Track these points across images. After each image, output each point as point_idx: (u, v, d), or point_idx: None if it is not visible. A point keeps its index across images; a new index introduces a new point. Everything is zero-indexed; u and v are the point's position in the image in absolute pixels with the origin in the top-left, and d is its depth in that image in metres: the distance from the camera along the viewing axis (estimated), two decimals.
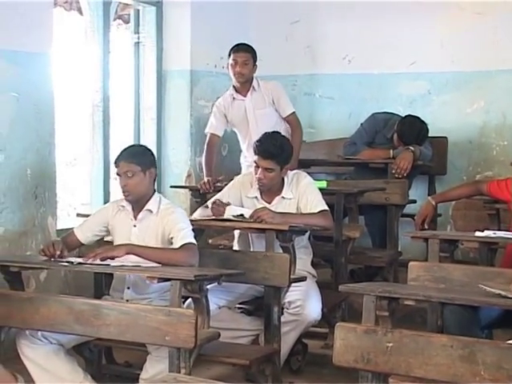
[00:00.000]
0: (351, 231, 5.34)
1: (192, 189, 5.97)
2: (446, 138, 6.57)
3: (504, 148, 6.50)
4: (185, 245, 4.02)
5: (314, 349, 5.00)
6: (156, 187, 4.35)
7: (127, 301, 4.14)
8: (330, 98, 7.07)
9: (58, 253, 3.99)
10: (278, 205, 4.73)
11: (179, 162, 6.56)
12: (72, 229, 4.37)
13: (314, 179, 5.14)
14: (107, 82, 5.97)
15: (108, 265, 3.87)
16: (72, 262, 3.86)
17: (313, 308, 4.52)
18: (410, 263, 4.09)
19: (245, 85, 5.82)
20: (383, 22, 6.76)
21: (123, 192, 4.18)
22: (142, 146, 4.44)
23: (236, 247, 4.89)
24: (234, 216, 4.62)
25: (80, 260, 3.96)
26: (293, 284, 4.35)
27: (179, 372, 3.41)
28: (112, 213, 4.31)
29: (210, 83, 6.71)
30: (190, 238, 4.06)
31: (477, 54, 6.50)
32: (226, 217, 4.65)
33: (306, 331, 4.62)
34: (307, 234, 4.77)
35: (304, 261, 4.73)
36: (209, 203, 4.89)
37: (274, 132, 4.84)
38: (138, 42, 6.47)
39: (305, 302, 4.48)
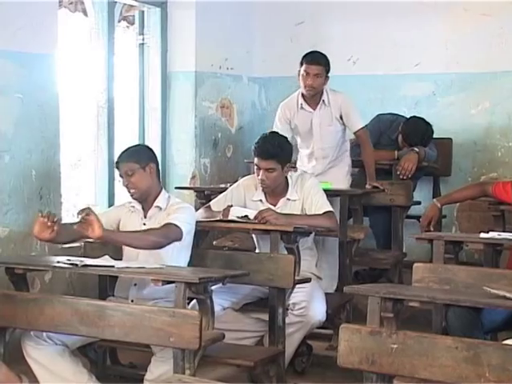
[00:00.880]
0: (356, 232, 5.33)
1: (197, 190, 5.97)
2: (450, 139, 6.56)
3: (509, 149, 6.49)
4: (167, 224, 4.05)
5: (318, 350, 5.00)
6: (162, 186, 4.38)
7: (132, 301, 4.16)
8: None
9: (50, 224, 3.93)
10: (284, 207, 4.73)
11: (184, 163, 6.55)
12: None
13: (319, 180, 5.15)
14: (112, 83, 5.97)
15: (113, 266, 3.88)
16: (77, 264, 3.86)
17: (317, 309, 4.52)
18: (415, 264, 4.09)
19: (314, 97, 5.60)
20: (388, 23, 6.75)
21: (128, 191, 4.27)
22: (138, 144, 4.48)
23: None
24: (238, 217, 4.62)
25: (84, 261, 3.96)
26: (297, 285, 4.35)
27: (184, 373, 3.41)
28: (125, 212, 4.38)
29: (214, 84, 6.70)
30: (178, 222, 4.07)
31: (482, 55, 6.49)
32: (230, 218, 4.66)
33: (310, 332, 4.62)
34: (312, 235, 4.77)
35: (309, 262, 4.73)
36: (211, 204, 4.89)
37: (271, 132, 4.86)
38: (143, 44, 6.47)
39: (309, 304, 4.47)
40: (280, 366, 4.25)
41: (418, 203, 6.25)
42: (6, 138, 4.94)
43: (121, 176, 4.30)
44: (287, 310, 4.42)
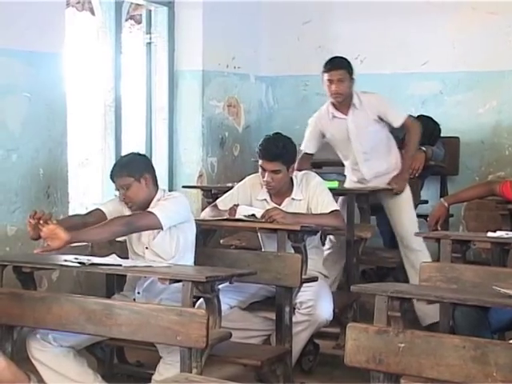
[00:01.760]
0: (363, 231, 5.33)
1: (204, 189, 5.98)
2: (458, 138, 6.56)
3: None
4: (142, 212, 4.05)
5: (325, 349, 4.99)
6: (167, 187, 4.36)
7: (138, 293, 4.18)
8: None
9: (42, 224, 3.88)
10: (288, 206, 4.71)
11: (191, 162, 6.56)
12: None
13: (326, 179, 5.13)
14: (119, 82, 5.98)
15: (120, 265, 3.88)
16: (84, 263, 3.87)
17: (324, 308, 4.51)
18: (422, 263, 4.09)
19: (344, 102, 5.42)
20: (395, 21, 6.74)
21: (126, 204, 4.24)
22: (130, 153, 4.41)
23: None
24: (245, 216, 4.62)
25: (92, 260, 3.97)
26: (304, 284, 4.35)
27: (190, 372, 3.41)
28: (127, 209, 4.32)
29: (221, 83, 6.71)
30: (156, 210, 4.04)
31: (489, 53, 6.48)
32: (237, 217, 4.65)
33: (317, 331, 4.61)
34: (319, 234, 4.77)
35: (315, 261, 4.72)
36: (217, 202, 4.89)
37: (275, 133, 4.80)
38: (150, 43, 6.48)
39: (316, 303, 4.47)
40: (287, 365, 4.25)
41: (426, 202, 6.24)
42: (14, 137, 4.96)
43: (117, 189, 4.28)
44: (294, 308, 4.42)
